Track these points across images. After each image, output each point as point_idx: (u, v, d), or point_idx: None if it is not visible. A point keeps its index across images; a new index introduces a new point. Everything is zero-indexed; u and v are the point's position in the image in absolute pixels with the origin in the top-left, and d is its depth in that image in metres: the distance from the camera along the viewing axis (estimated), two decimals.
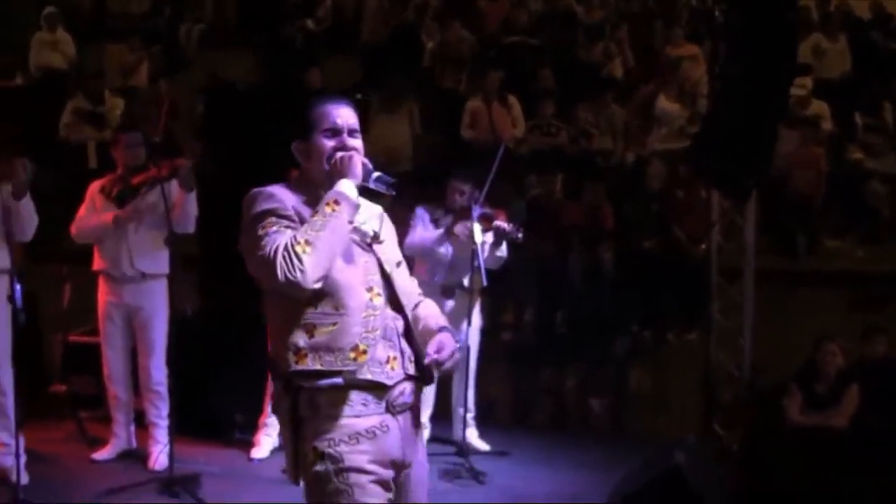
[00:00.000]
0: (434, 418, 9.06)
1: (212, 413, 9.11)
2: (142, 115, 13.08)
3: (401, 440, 4.04)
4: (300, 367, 3.88)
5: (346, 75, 14.29)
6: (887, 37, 14.47)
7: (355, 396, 3.92)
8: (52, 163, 12.16)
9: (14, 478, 7.21)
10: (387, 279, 4.12)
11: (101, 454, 8.34)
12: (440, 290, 8.80)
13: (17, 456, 7.19)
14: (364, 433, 3.92)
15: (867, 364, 9.28)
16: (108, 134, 12.02)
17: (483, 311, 9.35)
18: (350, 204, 3.95)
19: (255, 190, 4.02)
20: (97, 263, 8.15)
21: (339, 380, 3.88)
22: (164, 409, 8.20)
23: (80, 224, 8.10)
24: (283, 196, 4.00)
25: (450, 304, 8.78)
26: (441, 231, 8.64)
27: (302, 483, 4.01)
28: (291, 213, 3.95)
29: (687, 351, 10.39)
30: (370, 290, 4.03)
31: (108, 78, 14.18)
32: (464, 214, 8.50)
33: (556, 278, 10.83)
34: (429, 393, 8.86)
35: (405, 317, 4.13)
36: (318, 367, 3.87)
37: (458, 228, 8.50)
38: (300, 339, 3.89)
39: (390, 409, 4.00)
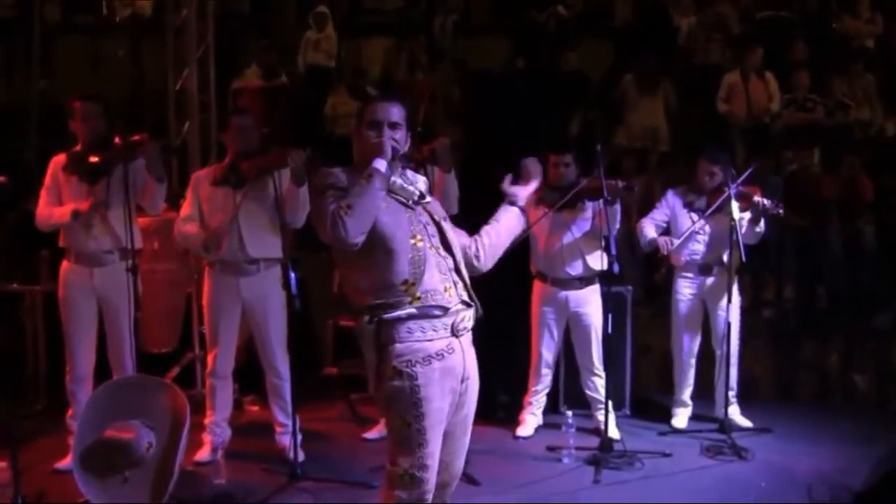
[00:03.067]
0: (695, 396, 9.07)
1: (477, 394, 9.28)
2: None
3: (463, 359, 4.84)
4: (366, 302, 4.70)
5: (600, 59, 14.29)
6: None
7: (426, 324, 4.71)
8: (320, 156, 12.57)
9: (291, 455, 7.51)
10: (438, 227, 4.93)
11: (372, 433, 8.61)
12: (698, 269, 8.80)
13: (294, 435, 7.51)
14: (434, 355, 4.71)
15: None
16: None
17: (742, 288, 9.28)
18: (381, 175, 4.67)
19: (323, 169, 4.79)
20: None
21: (412, 309, 4.68)
22: None
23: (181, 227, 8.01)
24: (341, 175, 4.73)
25: (710, 281, 8.77)
26: (648, 239, 8.78)
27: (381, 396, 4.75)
28: (346, 186, 4.68)
29: None
30: (413, 237, 4.78)
31: (367, 73, 14.47)
32: (717, 197, 8.47)
33: (816, 253, 10.67)
34: (689, 373, 8.91)
35: (454, 255, 4.89)
36: (378, 301, 4.68)
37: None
38: (362, 280, 4.72)
39: (455, 333, 4.77)
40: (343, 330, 9.61)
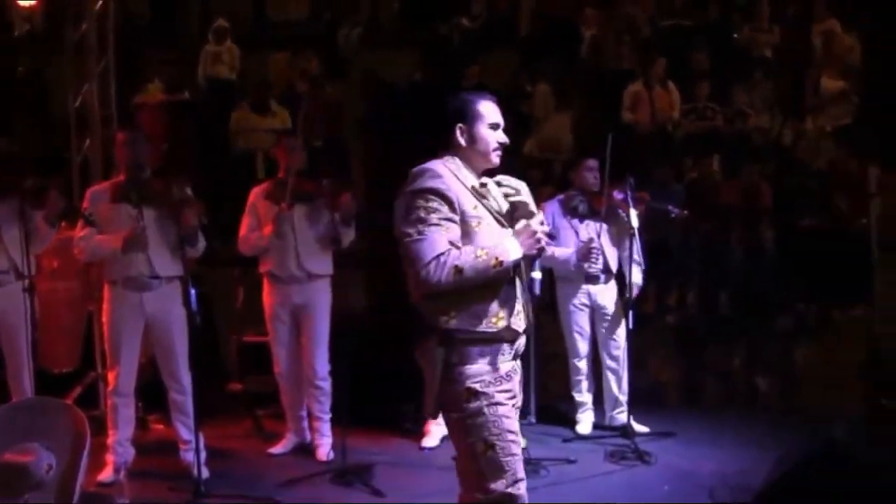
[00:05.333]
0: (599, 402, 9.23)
1: (382, 405, 9.37)
2: (306, 120, 13.35)
3: (516, 382, 4.77)
4: (452, 325, 4.55)
5: (504, 70, 14.42)
6: None
7: (497, 347, 4.63)
8: (223, 171, 12.57)
9: (196, 472, 7.45)
10: None
11: (277, 448, 8.63)
12: (585, 278, 8.91)
13: (198, 452, 7.49)
14: (504, 376, 4.65)
15: None
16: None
17: (645, 295, 9.44)
18: (506, 269, 4.57)
19: (425, 166, 4.68)
20: (264, 265, 8.42)
21: (490, 335, 4.59)
22: (327, 403, 8.45)
23: (242, 240, 8.41)
24: (449, 180, 4.62)
25: (597, 289, 8.91)
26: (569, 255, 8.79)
27: (446, 419, 4.74)
28: (453, 197, 4.57)
29: (853, 327, 10.29)
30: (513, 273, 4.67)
31: (272, 87, 14.50)
32: (599, 201, 8.57)
33: (718, 259, 10.86)
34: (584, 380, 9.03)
35: (522, 276, 4.75)
36: (467, 327, 4.55)
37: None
38: (452, 303, 4.55)
39: (515, 356, 4.75)
40: (248, 345, 9.63)
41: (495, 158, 4.78)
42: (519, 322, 4.70)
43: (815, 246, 10.50)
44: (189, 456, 7.79)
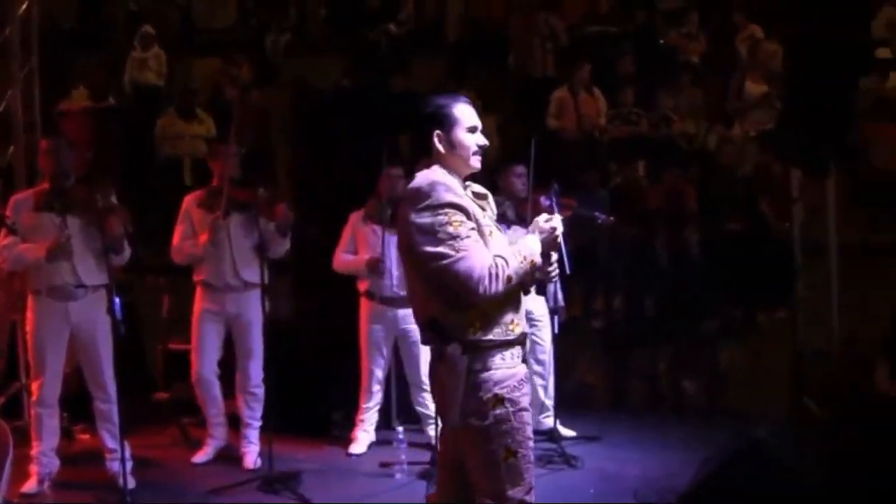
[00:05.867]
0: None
1: (310, 412, 9.40)
2: (235, 127, 13.32)
3: None
4: (477, 336, 4.51)
5: (431, 76, 14.46)
6: None
7: (513, 351, 4.62)
8: (150, 179, 12.52)
9: (122, 482, 7.43)
10: None
11: (200, 457, 8.60)
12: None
13: (123, 461, 7.45)
14: (524, 379, 4.65)
15: None
16: (203, 148, 12.33)
17: (570, 300, 9.50)
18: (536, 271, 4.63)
19: (431, 178, 4.53)
20: (199, 273, 8.41)
21: (507, 339, 4.58)
22: (258, 410, 8.46)
23: (176, 249, 8.40)
24: (458, 190, 4.56)
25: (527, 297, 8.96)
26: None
27: (465, 427, 4.56)
28: (469, 208, 4.51)
29: (777, 329, 10.41)
30: None
31: (198, 93, 14.46)
32: (526, 207, 8.61)
33: (643, 263, 10.95)
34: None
35: None
36: (490, 337, 4.52)
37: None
38: (475, 315, 4.50)
39: (524, 360, 4.70)
40: (174, 354, 9.60)
41: (476, 163, 4.71)
42: (525, 325, 4.74)
43: (740, 250, 10.60)
44: (115, 465, 7.72)
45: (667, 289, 10.88)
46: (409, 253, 4.53)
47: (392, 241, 8.67)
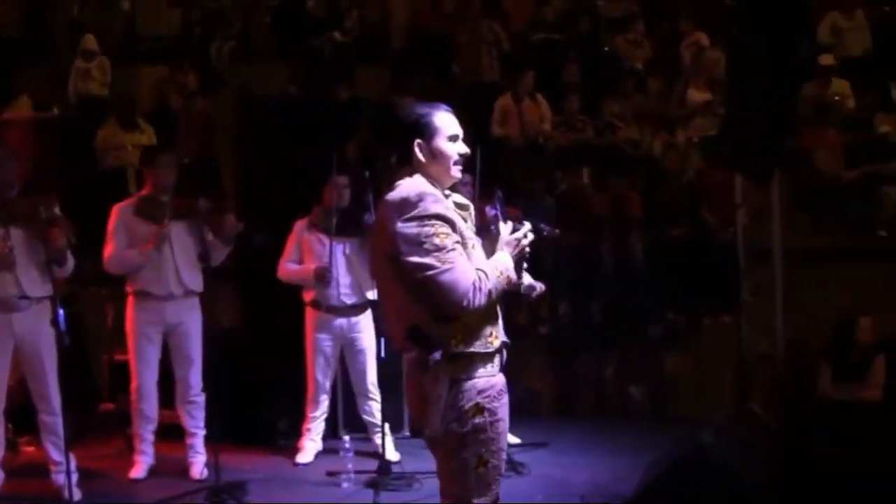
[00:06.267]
0: None
1: (256, 421, 9.39)
2: (181, 135, 13.30)
3: None
4: (459, 349, 4.51)
5: (376, 84, 14.48)
6: None
7: (496, 359, 4.66)
8: (92, 189, 12.44)
9: (67, 494, 7.42)
10: None
11: (137, 473, 8.46)
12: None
13: (69, 473, 7.43)
14: (503, 389, 4.67)
15: None
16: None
17: (518, 306, 9.53)
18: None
19: (418, 189, 4.53)
20: (136, 283, 8.31)
21: (491, 349, 4.61)
22: (201, 419, 8.42)
23: (117, 259, 8.29)
24: (444, 201, 4.56)
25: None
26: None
27: (445, 434, 4.55)
28: (455, 220, 4.53)
29: (722, 334, 10.48)
30: None
31: (142, 102, 14.40)
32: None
33: (588, 270, 10.98)
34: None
35: None
36: (472, 349, 4.54)
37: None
38: (458, 327, 4.51)
39: (502, 368, 4.73)
40: (118, 364, 9.55)
41: (456, 172, 4.69)
42: (503, 335, 4.73)
43: (684, 256, 10.66)
44: (60, 478, 7.68)
45: (612, 295, 10.93)
46: (393, 261, 4.51)
47: (339, 249, 8.70)
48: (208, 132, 13.71)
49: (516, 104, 13.06)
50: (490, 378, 4.60)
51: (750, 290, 9.70)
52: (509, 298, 4.73)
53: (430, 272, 4.39)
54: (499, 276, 4.52)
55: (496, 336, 4.64)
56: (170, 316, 8.30)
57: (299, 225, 8.96)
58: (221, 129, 13.86)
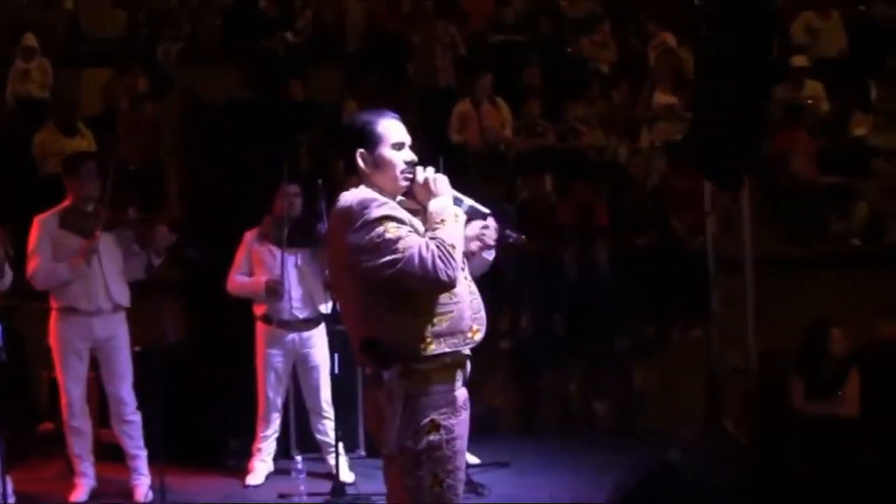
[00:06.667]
0: None
1: (204, 441, 9.29)
2: (123, 141, 13.18)
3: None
4: (429, 352, 4.47)
5: (329, 86, 14.43)
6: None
7: (457, 373, 4.59)
8: (31, 197, 12.29)
9: None
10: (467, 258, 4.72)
11: (78, 496, 8.32)
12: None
13: (5, 497, 7.34)
14: (462, 405, 4.63)
15: (874, 347, 9.35)
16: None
17: None
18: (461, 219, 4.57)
19: (359, 197, 4.50)
20: (62, 298, 8.15)
21: (448, 360, 4.52)
22: (139, 438, 8.30)
23: (44, 273, 8.11)
24: (390, 202, 4.52)
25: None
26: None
27: (399, 451, 4.52)
28: (404, 217, 4.49)
29: (691, 347, 10.47)
30: (465, 277, 4.65)
31: (85, 105, 14.27)
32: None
33: (551, 280, 10.94)
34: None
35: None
36: (445, 349, 4.49)
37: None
38: (423, 328, 4.46)
39: (465, 383, 4.66)
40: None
41: (403, 181, 4.64)
42: (475, 341, 4.64)
43: (651, 265, 10.64)
44: None
45: (576, 306, 10.89)
46: (352, 274, 4.49)
47: (290, 261, 8.61)
48: (154, 138, 13.60)
49: (475, 109, 13.02)
50: (448, 394, 4.55)
51: (720, 301, 9.65)
52: None
53: (395, 267, 4.35)
54: (441, 224, 4.45)
55: (477, 329, 4.61)
56: (98, 331, 8.18)
57: (249, 236, 8.87)
58: (168, 135, 13.76)
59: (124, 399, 8.27)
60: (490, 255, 8.17)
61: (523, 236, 8.47)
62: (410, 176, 4.64)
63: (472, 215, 4.70)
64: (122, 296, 8.22)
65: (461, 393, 4.62)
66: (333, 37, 15.77)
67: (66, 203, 8.22)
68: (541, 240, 10.86)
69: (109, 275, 8.13)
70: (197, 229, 9.36)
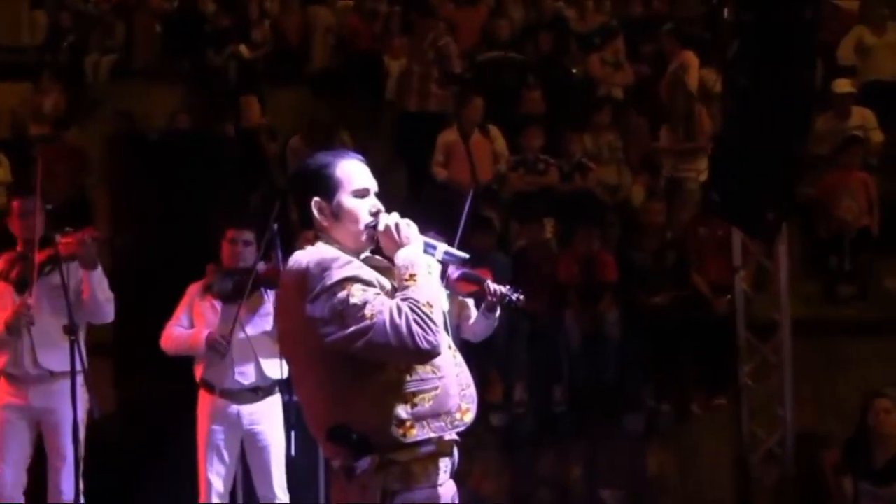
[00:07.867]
0: None
1: None
2: (44, 171, 13.16)
3: None
4: (410, 438, 4.37)
5: (290, 111, 14.45)
6: None
7: (441, 463, 4.50)
8: None
9: None
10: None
11: None
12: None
13: None
14: (451, 502, 4.56)
15: None
16: (2, 198, 12.13)
17: None
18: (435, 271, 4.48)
19: (317, 257, 4.38)
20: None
21: (432, 447, 4.43)
22: None
23: None
24: (353, 261, 4.40)
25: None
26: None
27: None
28: (370, 277, 4.38)
29: (716, 426, 10.48)
30: (450, 347, 4.55)
31: None
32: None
33: (551, 345, 10.95)
34: None
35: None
36: (430, 435, 4.41)
37: None
38: (401, 410, 4.36)
39: (452, 474, 4.59)
40: None
41: (366, 236, 4.56)
42: (466, 422, 4.53)
43: (669, 329, 10.65)
44: None
45: (580, 377, 10.89)
46: (306, 349, 4.42)
47: (235, 318, 8.55)
48: (79, 169, 13.58)
49: (463, 140, 12.95)
50: (432, 490, 4.47)
51: (750, 373, 9.69)
52: None
53: (364, 337, 4.24)
54: (410, 280, 4.35)
55: (466, 410, 4.50)
56: (35, 400, 8.19)
57: (193, 288, 8.80)
58: (95, 165, 13.74)
59: (61, 486, 8.22)
60: (493, 318, 8.16)
61: (522, 297, 8.49)
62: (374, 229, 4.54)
63: (447, 262, 4.68)
64: (58, 361, 8.05)
65: (447, 488, 4.55)
66: (296, 52, 15.81)
67: (18, 248, 8.27)
68: (538, 296, 10.87)
69: (39, 335, 8.06)
70: (128, 280, 9.31)
